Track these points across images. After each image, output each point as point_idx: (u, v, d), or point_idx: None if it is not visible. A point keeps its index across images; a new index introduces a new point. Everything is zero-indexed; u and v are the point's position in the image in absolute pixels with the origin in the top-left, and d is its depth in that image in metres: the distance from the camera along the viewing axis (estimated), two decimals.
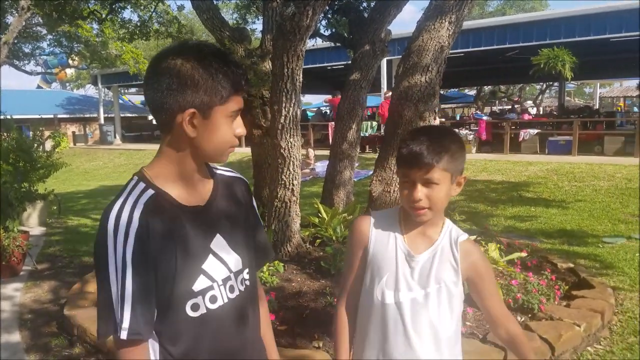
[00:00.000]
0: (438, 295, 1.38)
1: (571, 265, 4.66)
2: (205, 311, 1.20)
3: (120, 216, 1.12)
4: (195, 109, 1.13)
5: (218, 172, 1.34)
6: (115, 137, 24.63)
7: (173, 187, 1.20)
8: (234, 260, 1.27)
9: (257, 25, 30.97)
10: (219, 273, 1.23)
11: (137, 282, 1.10)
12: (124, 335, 1.10)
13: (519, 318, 3.53)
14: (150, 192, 1.17)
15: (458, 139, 1.40)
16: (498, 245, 4.43)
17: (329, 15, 8.26)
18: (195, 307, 1.19)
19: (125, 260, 1.10)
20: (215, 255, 1.23)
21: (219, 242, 1.24)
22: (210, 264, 1.22)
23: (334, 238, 4.64)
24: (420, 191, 1.31)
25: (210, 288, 1.21)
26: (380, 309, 1.40)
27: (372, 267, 1.43)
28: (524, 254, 4.50)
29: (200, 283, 1.20)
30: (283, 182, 4.42)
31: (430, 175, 1.30)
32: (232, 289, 1.26)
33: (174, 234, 1.16)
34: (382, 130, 15.73)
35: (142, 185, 1.18)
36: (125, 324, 1.10)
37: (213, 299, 1.22)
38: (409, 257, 1.40)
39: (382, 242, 1.42)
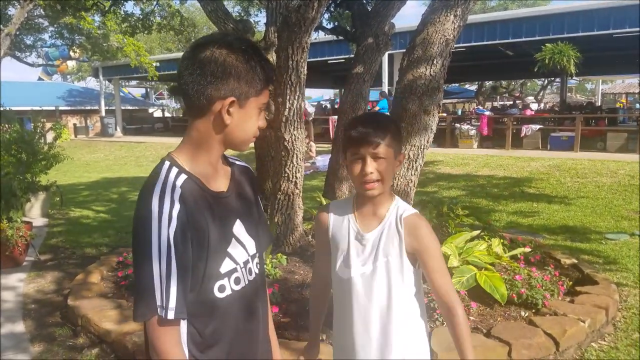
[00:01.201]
0: (386, 269, 1.52)
1: (575, 261, 4.66)
2: (230, 292, 1.27)
3: (164, 198, 1.15)
4: (235, 98, 1.19)
5: (232, 160, 1.40)
6: (116, 129, 24.63)
7: (200, 173, 1.25)
8: (250, 244, 1.34)
9: (259, 18, 30.88)
10: (240, 256, 1.30)
11: (180, 263, 1.14)
12: (171, 315, 1.12)
13: (522, 313, 3.53)
14: (184, 176, 1.21)
15: (396, 123, 1.62)
16: (501, 241, 4.43)
17: (332, 9, 8.23)
18: (222, 289, 1.25)
19: (170, 241, 1.13)
20: (237, 239, 1.30)
21: (239, 227, 1.31)
22: (233, 248, 1.28)
23: None
24: (370, 165, 1.48)
25: (234, 270, 1.28)
26: (339, 285, 1.59)
27: (333, 249, 1.61)
28: (527, 249, 4.50)
29: (226, 265, 1.26)
30: (286, 175, 4.41)
31: (378, 150, 1.48)
32: (250, 272, 1.34)
33: (205, 218, 1.21)
34: None
35: (175, 169, 1.21)
36: (172, 303, 1.12)
37: (237, 281, 1.29)
38: (359, 235, 1.56)
39: (338, 225, 1.60)
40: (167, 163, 1.23)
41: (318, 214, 1.69)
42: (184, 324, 1.21)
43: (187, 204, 1.17)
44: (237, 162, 1.42)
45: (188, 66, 1.20)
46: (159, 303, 1.12)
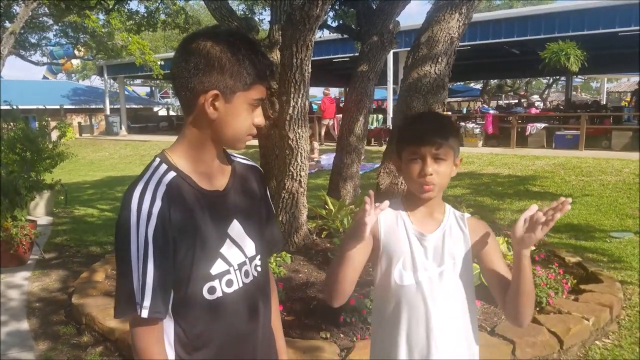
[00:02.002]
0: (453, 271, 1.44)
1: (579, 259, 4.64)
2: (221, 294, 1.23)
3: (144, 196, 1.13)
4: (218, 91, 1.15)
5: (235, 159, 1.36)
6: (121, 128, 24.65)
7: (194, 171, 1.22)
8: (249, 246, 1.30)
9: (264, 16, 30.92)
10: (235, 258, 1.26)
11: (158, 262, 1.12)
12: (144, 313, 1.11)
13: None
14: (172, 174, 1.18)
15: (454, 123, 1.52)
16: (506, 239, 4.41)
17: (336, 7, 8.21)
18: (212, 290, 1.21)
19: (147, 239, 1.11)
20: (232, 240, 1.26)
21: (235, 228, 1.27)
22: (227, 249, 1.24)
23: (341, 230, 4.63)
24: (431, 166, 1.40)
25: (227, 272, 1.24)
26: (398, 291, 1.45)
27: (386, 254, 1.47)
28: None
29: (217, 267, 1.22)
30: (291, 173, 4.41)
31: (440, 151, 1.40)
32: (247, 274, 1.29)
33: (194, 217, 1.18)
34: (387, 124, 15.68)
35: (164, 166, 1.19)
36: (147, 302, 1.10)
37: (229, 283, 1.24)
38: (421, 236, 1.45)
39: (392, 227, 1.47)
40: (157, 160, 1.21)
41: None
42: (170, 324, 1.19)
43: (172, 201, 1.14)
44: (243, 161, 1.38)
45: (176, 58, 1.18)
46: (137, 301, 1.10)
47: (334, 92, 40.88)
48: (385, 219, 1.48)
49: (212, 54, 1.14)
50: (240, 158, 1.39)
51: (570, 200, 1.26)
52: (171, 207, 1.14)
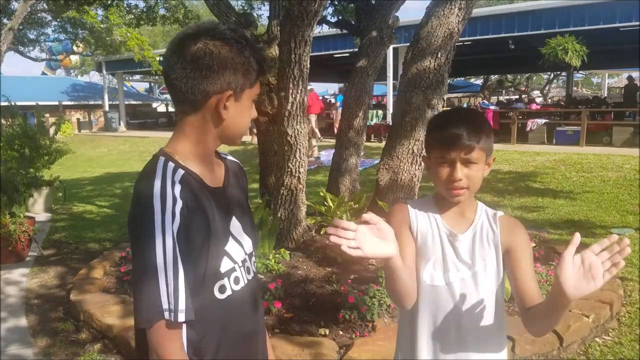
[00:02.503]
0: (485, 273, 1.39)
1: None
2: (231, 293, 1.21)
3: (165, 195, 1.09)
4: (232, 91, 1.15)
5: (223, 156, 1.36)
6: (119, 124, 24.62)
7: (199, 168, 1.20)
8: (247, 242, 1.29)
9: (263, 12, 30.84)
10: (238, 254, 1.25)
11: (186, 262, 1.08)
12: (181, 317, 1.05)
13: None
14: (181, 172, 1.16)
15: (487, 120, 1.42)
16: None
17: (336, 2, 8.18)
18: (222, 289, 1.19)
19: (174, 239, 1.06)
20: (234, 237, 1.24)
21: (235, 225, 1.26)
22: (231, 246, 1.23)
23: None
24: (460, 170, 1.33)
25: (233, 270, 1.22)
26: (429, 291, 1.40)
27: (419, 254, 1.42)
28: (532, 244, 4.46)
29: (225, 264, 1.20)
30: (289, 169, 4.39)
31: (470, 155, 1.32)
32: (248, 271, 1.29)
33: (206, 215, 1.16)
34: (387, 119, 15.64)
35: (171, 164, 1.16)
36: (182, 305, 1.06)
37: (237, 281, 1.23)
38: (452, 236, 1.41)
39: (424, 225, 1.43)
40: (162, 159, 1.17)
41: (396, 210, 1.48)
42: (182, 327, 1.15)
43: (188, 200, 1.11)
44: (229, 158, 1.38)
45: (178, 60, 1.13)
46: (165, 306, 1.04)
47: (334, 87, 40.88)
48: (418, 219, 1.43)
49: (223, 54, 1.13)
50: (227, 155, 1.38)
51: (628, 242, 1.11)
52: (189, 205, 1.11)
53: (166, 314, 1.04)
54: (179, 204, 1.08)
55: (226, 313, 1.20)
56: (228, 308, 1.20)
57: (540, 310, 1.27)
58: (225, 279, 1.20)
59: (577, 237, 1.14)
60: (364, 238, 1.16)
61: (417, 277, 1.40)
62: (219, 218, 1.19)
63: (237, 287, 1.22)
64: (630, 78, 17.95)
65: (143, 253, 1.06)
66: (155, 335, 1.07)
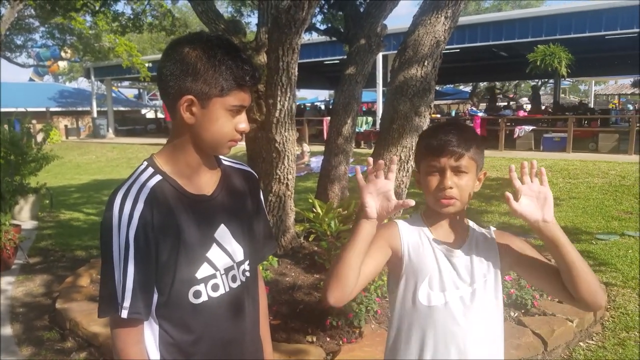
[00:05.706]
0: (485, 289, 1.35)
1: None
2: (206, 299, 1.24)
3: (126, 199, 1.15)
4: (193, 97, 1.16)
5: (226, 163, 1.36)
6: (108, 130, 24.45)
7: (180, 175, 1.23)
8: (236, 250, 1.30)
9: (252, 19, 30.93)
10: (222, 262, 1.26)
11: (139, 263, 1.14)
12: (124, 314, 1.13)
13: (512, 314, 3.53)
14: (158, 177, 1.20)
15: (478, 134, 1.42)
16: None
17: (324, 10, 8.22)
18: (197, 294, 1.23)
19: (128, 241, 1.13)
20: (219, 244, 1.26)
21: (222, 232, 1.27)
22: (214, 253, 1.25)
23: (328, 233, 4.62)
24: (450, 179, 1.31)
25: (213, 276, 1.25)
26: (425, 313, 1.33)
27: (410, 273, 1.35)
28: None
29: (203, 271, 1.23)
30: (278, 176, 4.40)
31: (460, 163, 1.31)
32: (234, 279, 1.29)
33: (178, 221, 1.19)
34: (377, 126, 15.71)
35: (150, 170, 1.21)
36: (127, 303, 1.13)
37: (215, 287, 1.25)
38: (449, 252, 1.36)
39: (416, 244, 1.37)
40: (144, 164, 1.24)
41: (385, 228, 1.38)
42: (154, 326, 1.21)
43: (155, 204, 1.16)
44: (236, 166, 1.39)
45: (159, 64, 1.20)
46: (118, 301, 1.13)
47: (325, 94, 41.01)
48: (408, 237, 1.37)
49: (187, 59, 1.15)
50: (233, 162, 1.39)
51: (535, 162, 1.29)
52: (154, 209, 1.15)
53: (117, 309, 1.13)
54: (139, 207, 1.14)
55: (200, 318, 1.23)
56: (203, 314, 1.23)
57: (562, 271, 1.29)
58: (202, 284, 1.23)
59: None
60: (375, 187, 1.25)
61: (412, 299, 1.34)
62: (199, 225, 1.22)
63: (214, 294, 1.25)
64: None
65: (104, 252, 1.16)
66: (110, 328, 1.18)
